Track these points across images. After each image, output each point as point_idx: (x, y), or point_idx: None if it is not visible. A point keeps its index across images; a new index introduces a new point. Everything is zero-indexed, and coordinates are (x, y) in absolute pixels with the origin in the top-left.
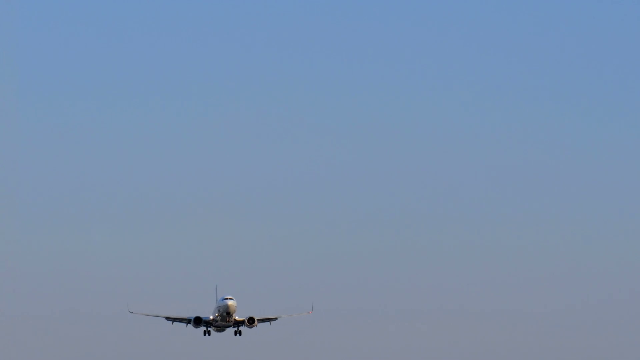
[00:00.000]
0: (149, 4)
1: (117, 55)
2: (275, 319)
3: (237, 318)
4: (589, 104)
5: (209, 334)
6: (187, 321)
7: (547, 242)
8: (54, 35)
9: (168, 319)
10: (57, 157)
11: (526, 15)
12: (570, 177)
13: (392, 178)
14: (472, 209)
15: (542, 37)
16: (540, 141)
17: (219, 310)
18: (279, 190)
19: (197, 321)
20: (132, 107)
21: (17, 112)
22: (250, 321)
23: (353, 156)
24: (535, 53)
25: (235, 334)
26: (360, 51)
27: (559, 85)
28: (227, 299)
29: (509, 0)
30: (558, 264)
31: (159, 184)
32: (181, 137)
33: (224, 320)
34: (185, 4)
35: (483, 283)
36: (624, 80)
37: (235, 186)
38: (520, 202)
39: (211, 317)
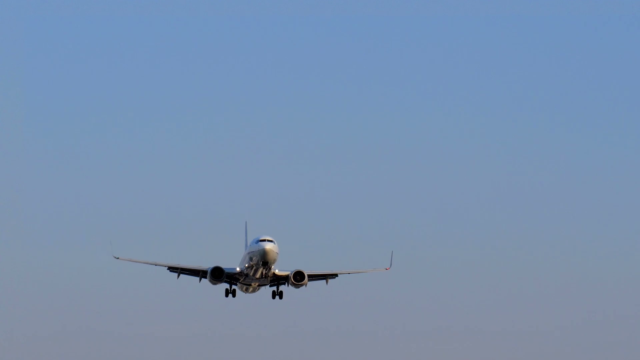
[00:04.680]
0: (153, 26)
1: (123, 76)
2: (335, 275)
3: (277, 272)
4: (592, 119)
5: (234, 295)
6: (201, 274)
7: (554, 258)
8: (61, 53)
9: (172, 269)
10: (64, 173)
11: (529, 30)
12: (572, 191)
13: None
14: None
15: (546, 53)
16: (545, 160)
17: (250, 259)
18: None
19: (216, 274)
20: (138, 126)
21: (23, 127)
22: (298, 277)
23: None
24: (537, 71)
25: (274, 296)
26: (365, 71)
27: (559, 101)
28: (264, 240)
29: (510, 16)
30: (565, 280)
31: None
32: (187, 155)
33: (257, 274)
34: (191, 27)
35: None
36: (626, 96)
37: None
38: (530, 219)
39: (238, 269)
